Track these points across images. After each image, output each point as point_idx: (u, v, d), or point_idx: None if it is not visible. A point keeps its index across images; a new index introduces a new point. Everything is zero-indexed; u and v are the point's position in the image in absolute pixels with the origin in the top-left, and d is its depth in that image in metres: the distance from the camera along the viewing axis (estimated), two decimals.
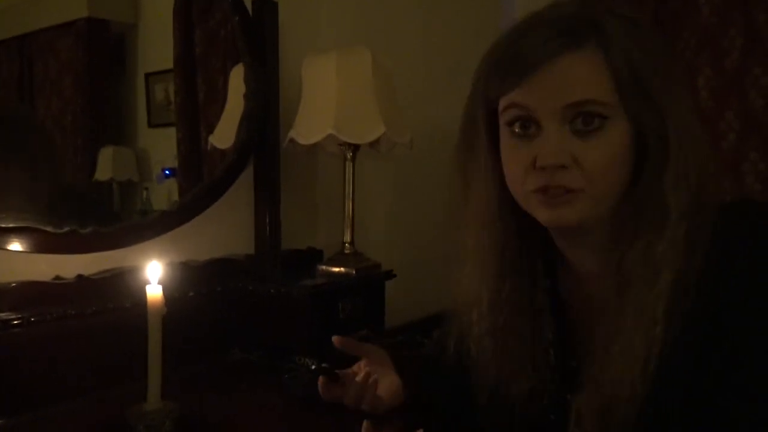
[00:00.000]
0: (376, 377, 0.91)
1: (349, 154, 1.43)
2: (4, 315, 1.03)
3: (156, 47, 1.44)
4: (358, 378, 0.89)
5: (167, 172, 1.43)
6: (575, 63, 0.66)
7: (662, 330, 0.64)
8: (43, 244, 1.10)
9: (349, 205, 1.45)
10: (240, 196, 1.46)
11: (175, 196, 1.42)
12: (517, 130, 0.71)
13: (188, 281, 1.31)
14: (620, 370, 0.66)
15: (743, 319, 0.62)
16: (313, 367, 0.95)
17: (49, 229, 1.10)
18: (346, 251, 1.45)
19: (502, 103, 0.71)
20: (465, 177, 0.79)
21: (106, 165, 1.34)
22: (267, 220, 1.45)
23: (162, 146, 1.44)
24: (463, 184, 0.79)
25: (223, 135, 1.46)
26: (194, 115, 1.48)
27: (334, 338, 0.93)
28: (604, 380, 0.68)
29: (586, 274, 0.78)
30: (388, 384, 0.93)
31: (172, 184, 1.44)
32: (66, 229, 1.12)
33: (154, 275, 0.98)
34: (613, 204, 0.70)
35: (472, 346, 0.83)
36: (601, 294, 0.72)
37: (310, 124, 1.38)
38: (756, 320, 0.62)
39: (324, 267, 1.44)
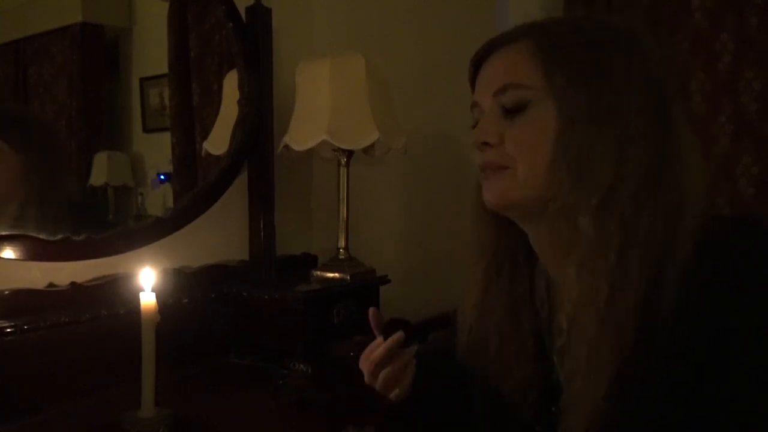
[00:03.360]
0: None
1: (344, 160, 1.43)
2: None
3: (150, 52, 1.44)
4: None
5: (162, 177, 1.43)
6: (506, 54, 0.74)
7: (630, 340, 0.63)
8: (37, 252, 1.10)
9: (343, 210, 1.45)
10: (234, 201, 1.46)
11: (170, 202, 1.42)
12: (474, 122, 0.78)
13: (182, 287, 1.31)
14: (593, 387, 0.65)
15: (731, 340, 0.61)
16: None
17: (42, 236, 1.10)
18: (341, 256, 1.45)
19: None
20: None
21: (101, 170, 1.34)
22: (261, 225, 1.46)
23: (157, 151, 1.44)
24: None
25: (218, 140, 1.46)
26: (189, 120, 1.48)
27: (371, 310, 0.92)
28: (580, 404, 0.67)
29: (555, 273, 0.79)
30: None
31: (167, 189, 1.44)
32: (59, 236, 1.12)
33: (148, 282, 0.98)
34: (543, 186, 0.70)
35: (465, 343, 0.85)
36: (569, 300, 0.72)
37: (304, 129, 1.38)
38: (743, 341, 0.61)
39: (318, 272, 1.44)
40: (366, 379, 0.89)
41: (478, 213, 0.82)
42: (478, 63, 0.78)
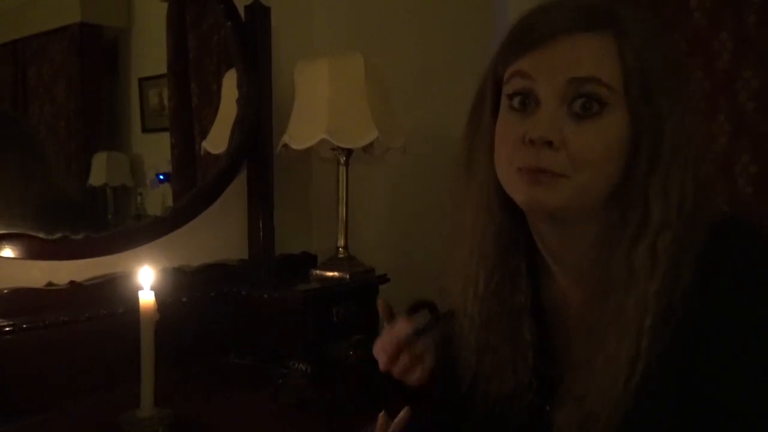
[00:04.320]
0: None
1: (343, 159, 1.43)
2: None
3: (149, 52, 1.44)
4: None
5: (161, 177, 1.43)
6: (587, 41, 0.65)
7: (647, 345, 0.62)
8: (36, 251, 1.09)
9: (342, 209, 1.45)
10: (233, 201, 1.46)
11: (170, 201, 1.42)
12: (515, 105, 0.69)
13: (182, 286, 1.31)
14: (602, 386, 0.64)
15: (729, 339, 0.61)
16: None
17: (41, 235, 1.10)
18: (340, 256, 1.45)
19: (508, 71, 0.69)
20: (468, 156, 0.77)
21: (100, 170, 1.34)
22: (260, 224, 1.46)
23: (156, 151, 1.44)
24: (466, 163, 0.77)
25: (217, 140, 1.46)
26: (188, 120, 1.48)
27: (380, 301, 0.90)
28: (585, 396, 0.66)
29: (567, 284, 0.77)
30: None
31: (166, 189, 1.44)
32: (58, 235, 1.12)
33: (147, 281, 0.98)
34: (599, 200, 0.68)
35: (457, 334, 0.81)
36: (581, 306, 0.71)
37: (303, 128, 1.38)
38: (742, 341, 0.60)
39: (318, 272, 1.44)
40: (382, 365, 0.84)
41: (494, 195, 0.74)
42: (534, 33, 0.67)
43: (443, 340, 0.90)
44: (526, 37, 0.68)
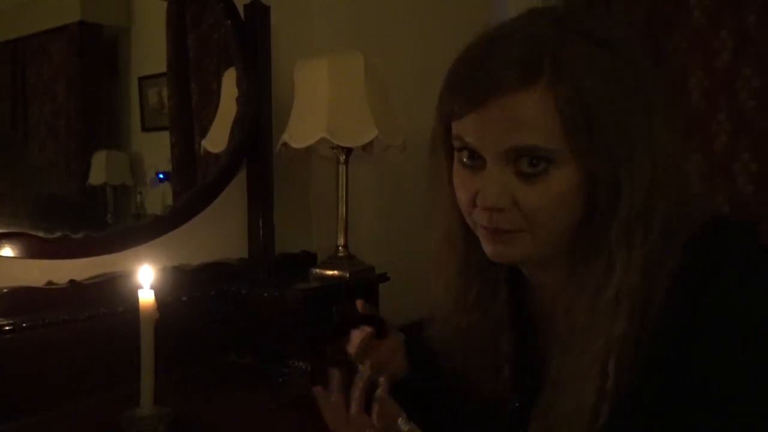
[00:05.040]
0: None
1: (342, 158, 1.43)
2: None
3: (149, 51, 1.44)
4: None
5: (161, 176, 1.43)
6: (523, 103, 0.61)
7: (613, 383, 0.61)
8: (35, 250, 1.09)
9: (342, 208, 1.45)
10: (233, 199, 1.46)
11: (170, 200, 1.42)
12: (465, 160, 0.68)
13: (181, 285, 1.31)
14: (568, 414, 0.64)
15: (728, 339, 0.60)
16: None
17: (40, 234, 1.10)
18: (340, 254, 1.45)
19: (453, 128, 0.69)
20: (432, 180, 0.78)
21: (100, 169, 1.34)
22: (260, 223, 1.46)
23: (156, 150, 1.44)
24: (430, 186, 0.79)
25: (216, 139, 1.46)
26: (188, 119, 1.48)
27: (359, 301, 0.91)
28: (552, 420, 0.66)
29: (547, 298, 0.77)
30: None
31: (166, 188, 1.44)
32: (58, 234, 1.12)
33: (146, 280, 0.98)
34: (564, 245, 0.68)
35: (439, 346, 0.83)
36: (562, 318, 0.70)
37: (303, 127, 1.38)
38: (740, 341, 0.59)
39: (317, 270, 1.44)
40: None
41: (456, 219, 0.75)
42: (475, 89, 0.64)
43: (418, 346, 0.92)
44: (462, 92, 0.65)
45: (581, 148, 0.62)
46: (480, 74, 0.64)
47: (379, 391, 0.78)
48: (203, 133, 1.47)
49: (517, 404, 0.78)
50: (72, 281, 1.16)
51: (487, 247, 0.69)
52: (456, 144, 0.69)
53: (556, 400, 0.66)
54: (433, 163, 0.77)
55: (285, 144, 1.40)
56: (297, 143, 1.37)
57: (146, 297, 0.96)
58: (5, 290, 1.06)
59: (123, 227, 1.30)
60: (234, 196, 1.46)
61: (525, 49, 0.63)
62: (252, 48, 1.42)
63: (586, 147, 0.62)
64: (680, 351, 0.60)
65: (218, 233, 1.45)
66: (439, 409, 0.88)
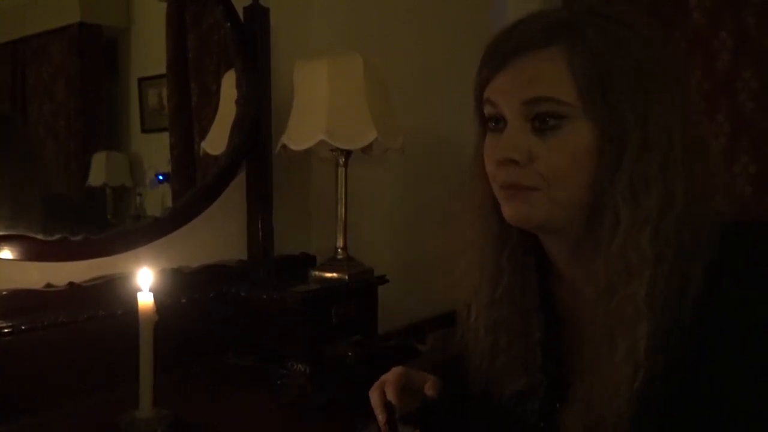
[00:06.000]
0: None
1: (342, 160, 1.43)
2: None
3: (149, 52, 1.44)
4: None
5: (160, 177, 1.43)
6: (540, 59, 0.67)
7: (646, 353, 0.62)
8: (34, 252, 1.09)
9: (341, 210, 1.45)
10: (233, 201, 1.46)
11: (169, 201, 1.42)
12: (491, 126, 0.72)
13: (181, 287, 1.31)
14: (607, 391, 0.65)
15: (734, 340, 0.60)
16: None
17: (39, 236, 1.10)
18: (339, 256, 1.45)
19: (485, 95, 0.73)
20: (474, 165, 0.79)
21: (100, 170, 1.34)
22: (260, 225, 1.46)
23: (155, 151, 1.44)
24: (472, 173, 0.80)
25: (216, 140, 1.46)
26: (187, 120, 1.48)
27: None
28: (591, 399, 0.67)
29: (573, 281, 0.77)
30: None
31: (166, 189, 1.44)
32: (57, 236, 1.12)
33: (146, 282, 0.98)
34: (581, 209, 0.69)
35: (469, 342, 0.82)
36: (591, 305, 0.70)
37: (302, 129, 1.38)
38: (747, 342, 0.60)
39: (317, 272, 1.44)
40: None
41: (488, 222, 0.77)
42: (497, 55, 0.70)
43: (448, 360, 0.92)
44: (492, 59, 0.71)
45: (594, 107, 0.65)
46: (505, 41, 0.70)
47: None
48: (203, 134, 1.47)
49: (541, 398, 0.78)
50: (71, 283, 1.16)
51: (506, 209, 0.71)
52: (486, 111, 0.72)
53: (595, 371, 0.67)
54: (477, 143, 0.79)
55: (284, 146, 1.40)
56: (296, 145, 1.37)
57: (145, 300, 0.96)
58: (4, 292, 1.06)
59: (122, 229, 1.30)
60: (233, 197, 1.46)
61: (546, 20, 0.69)
62: (251, 49, 1.42)
63: (598, 107, 0.65)
64: (709, 347, 0.61)
65: (217, 235, 1.45)
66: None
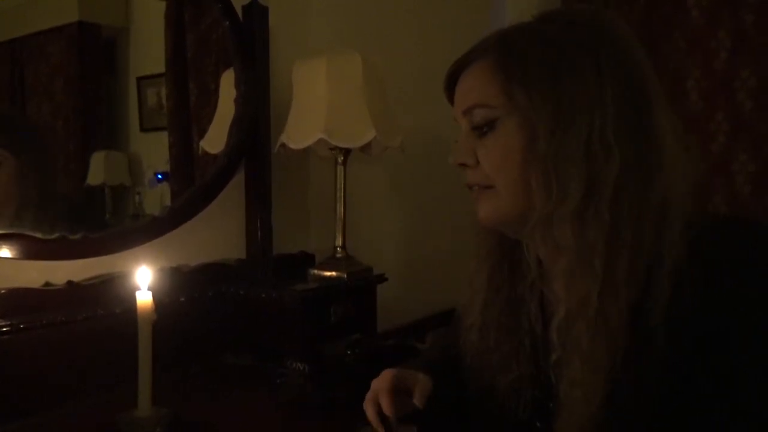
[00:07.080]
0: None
1: (341, 158, 1.43)
2: None
3: (148, 51, 1.44)
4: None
5: (159, 176, 1.43)
6: (472, 72, 0.75)
7: (624, 347, 0.64)
8: (33, 251, 1.09)
9: (340, 209, 1.45)
10: (231, 200, 1.46)
11: (168, 200, 1.42)
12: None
13: (180, 286, 1.31)
14: (585, 387, 0.66)
15: (731, 339, 0.61)
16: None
17: (38, 235, 1.10)
18: (338, 255, 1.45)
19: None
20: None
21: (98, 169, 1.34)
22: (258, 224, 1.46)
23: (154, 150, 1.44)
24: None
25: (215, 139, 1.46)
26: (186, 119, 1.48)
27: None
28: (574, 398, 0.68)
29: (547, 289, 0.80)
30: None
31: (165, 189, 1.44)
32: (56, 235, 1.12)
33: (144, 281, 0.98)
34: (527, 205, 0.71)
35: (465, 342, 0.85)
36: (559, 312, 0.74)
37: (301, 128, 1.38)
38: (743, 341, 0.60)
39: (316, 271, 1.44)
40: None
41: (481, 231, 0.83)
42: (453, 79, 0.79)
43: (444, 359, 0.93)
44: (448, 81, 0.80)
45: (516, 101, 0.70)
46: (456, 62, 0.79)
47: None
48: (201, 134, 1.47)
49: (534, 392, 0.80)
50: (70, 282, 1.16)
51: (477, 212, 0.77)
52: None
53: (574, 378, 0.68)
54: None
55: (283, 144, 1.40)
56: (295, 144, 1.37)
57: (144, 299, 0.96)
58: (3, 291, 1.06)
59: (121, 228, 1.30)
60: (232, 196, 1.46)
61: (489, 36, 0.76)
62: (250, 48, 1.42)
63: (520, 99, 0.70)
64: (708, 347, 0.61)
65: (216, 234, 1.45)
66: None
